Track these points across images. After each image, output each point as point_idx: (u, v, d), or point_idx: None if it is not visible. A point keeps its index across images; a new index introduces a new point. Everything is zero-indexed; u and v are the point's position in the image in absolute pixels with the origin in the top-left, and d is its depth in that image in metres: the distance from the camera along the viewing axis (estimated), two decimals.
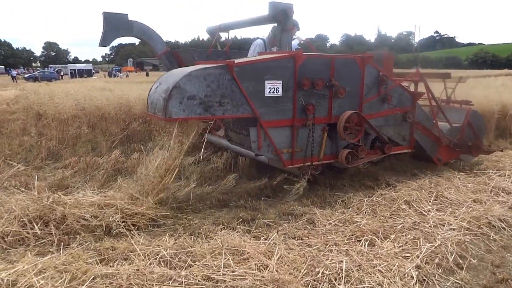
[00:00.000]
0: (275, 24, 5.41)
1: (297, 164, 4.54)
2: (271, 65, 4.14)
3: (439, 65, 61.66)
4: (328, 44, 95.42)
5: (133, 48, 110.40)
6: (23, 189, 4.45)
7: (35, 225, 3.48)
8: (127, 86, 15.17)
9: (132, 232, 3.61)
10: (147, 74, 48.47)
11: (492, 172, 5.64)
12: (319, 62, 4.46)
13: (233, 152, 5.83)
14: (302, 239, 3.55)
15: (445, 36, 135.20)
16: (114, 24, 5.28)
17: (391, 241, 3.50)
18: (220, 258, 3.05)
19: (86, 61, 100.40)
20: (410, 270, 3.03)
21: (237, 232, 3.66)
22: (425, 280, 2.99)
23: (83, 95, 8.15)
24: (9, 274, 2.63)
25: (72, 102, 7.48)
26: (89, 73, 55.79)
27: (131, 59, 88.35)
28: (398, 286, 2.84)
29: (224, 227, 3.78)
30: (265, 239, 3.50)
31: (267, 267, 2.98)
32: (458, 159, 6.25)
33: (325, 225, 3.88)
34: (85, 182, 5.20)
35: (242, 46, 8.06)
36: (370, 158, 5.07)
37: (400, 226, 3.84)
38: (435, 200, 4.58)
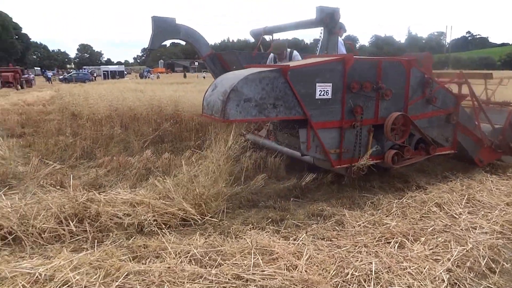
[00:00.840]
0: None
1: (345, 164, 4.66)
2: (322, 68, 4.27)
3: (472, 65, 59.65)
4: (357, 45, 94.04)
5: (164, 50, 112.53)
6: (58, 187, 4.64)
7: (70, 222, 3.63)
8: (158, 87, 15.57)
9: (163, 231, 3.71)
10: (184, 76, 49.18)
11: None
12: (367, 65, 4.57)
13: (277, 152, 5.89)
14: (331, 240, 3.54)
15: (478, 36, 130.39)
16: (163, 27, 5.50)
17: (421, 244, 3.44)
18: (249, 258, 3.09)
19: (118, 63, 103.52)
20: (441, 273, 2.98)
21: (266, 232, 3.69)
22: (456, 283, 2.92)
23: (116, 96, 8.43)
24: (47, 269, 2.76)
25: (106, 103, 7.73)
26: (121, 75, 57.51)
27: (162, 61, 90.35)
28: None
29: (253, 227, 3.83)
30: (294, 240, 3.52)
31: (296, 267, 3.00)
32: (499, 160, 6.12)
33: (354, 227, 3.86)
34: (117, 181, 5.36)
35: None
36: (415, 159, 5.11)
37: (431, 228, 3.77)
38: (467, 203, 4.46)
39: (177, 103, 7.73)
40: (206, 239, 3.52)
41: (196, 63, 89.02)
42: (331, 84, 4.33)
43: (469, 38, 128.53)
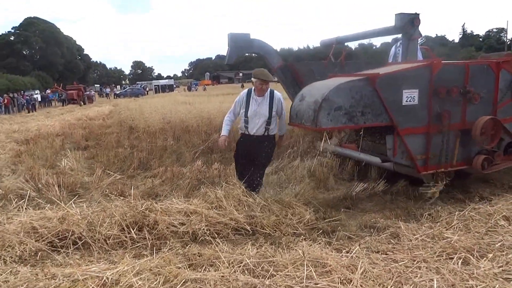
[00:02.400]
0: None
1: (431, 170, 4.64)
2: (409, 74, 4.34)
3: None
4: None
5: (209, 63, 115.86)
6: (120, 196, 4.89)
7: (131, 229, 3.81)
8: (206, 99, 15.99)
9: (216, 240, 3.77)
10: (242, 86, 50.18)
11: None
12: (454, 69, 4.59)
13: (352, 159, 5.92)
14: (386, 254, 3.40)
15: None
16: (238, 43, 5.80)
17: (488, 261, 3.19)
18: (302, 269, 3.05)
19: (168, 77, 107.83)
20: None
21: (318, 243, 3.64)
22: None
23: (168, 109, 8.76)
24: (113, 274, 2.90)
25: (160, 116, 8.05)
26: (170, 88, 59.89)
27: (208, 73, 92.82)
28: None
29: (304, 238, 3.79)
30: (347, 252, 3.42)
31: (351, 281, 2.91)
32: None
33: (411, 240, 3.68)
34: (171, 190, 5.55)
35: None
36: (505, 164, 5.00)
37: (499, 244, 3.49)
38: None
39: (225, 114, 7.89)
40: (257, 249, 3.52)
41: (241, 74, 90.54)
42: (417, 90, 4.35)
43: None
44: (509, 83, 4.83)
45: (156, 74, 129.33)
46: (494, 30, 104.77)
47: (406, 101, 4.33)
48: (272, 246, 3.65)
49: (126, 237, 3.73)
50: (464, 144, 4.73)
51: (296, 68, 6.26)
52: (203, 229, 3.92)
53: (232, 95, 24.35)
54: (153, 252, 3.49)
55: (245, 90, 4.70)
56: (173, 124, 8.31)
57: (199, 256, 3.38)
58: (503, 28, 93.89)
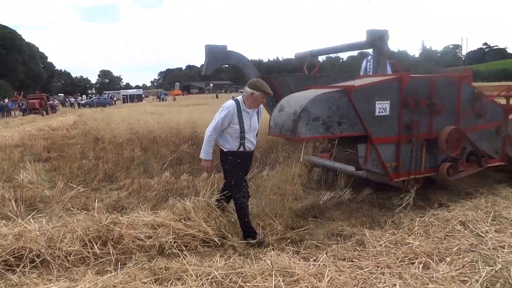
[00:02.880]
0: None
1: (402, 177, 4.89)
2: (380, 87, 4.58)
3: (490, 78, 58.66)
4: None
5: (179, 73, 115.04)
6: (83, 210, 4.74)
7: (94, 244, 3.70)
8: (175, 109, 15.87)
9: (183, 253, 3.73)
10: (217, 96, 49.71)
11: None
12: (421, 82, 4.87)
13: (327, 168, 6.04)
14: (352, 261, 3.48)
15: (495, 47, 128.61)
16: (216, 54, 5.88)
17: (447, 264, 3.34)
18: (270, 280, 3.07)
19: (137, 87, 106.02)
20: None
21: (286, 253, 3.67)
22: None
23: (136, 119, 8.62)
24: None
25: (127, 126, 7.91)
26: (139, 98, 58.95)
27: (178, 83, 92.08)
28: None
29: (273, 248, 3.81)
30: (314, 261, 3.47)
31: None
32: None
33: (375, 247, 3.78)
34: (138, 203, 5.44)
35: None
36: (468, 171, 5.29)
37: (456, 248, 3.66)
38: (493, 220, 4.32)
39: (194, 125, 7.86)
40: (226, 260, 3.51)
41: (211, 84, 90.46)
42: (389, 102, 4.60)
43: (486, 49, 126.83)
44: (469, 95, 5.16)
45: (124, 83, 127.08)
46: (451, 46, 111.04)
47: (379, 112, 4.55)
48: (241, 257, 3.65)
49: (88, 252, 3.61)
50: (431, 153, 5.00)
51: (273, 80, 6.37)
52: (171, 241, 3.87)
53: (202, 105, 24.29)
54: (118, 268, 3.40)
55: (231, 102, 4.11)
56: (141, 135, 8.17)
57: (166, 270, 3.32)
58: (458, 45, 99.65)
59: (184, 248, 3.85)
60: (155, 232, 4.00)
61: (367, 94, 4.48)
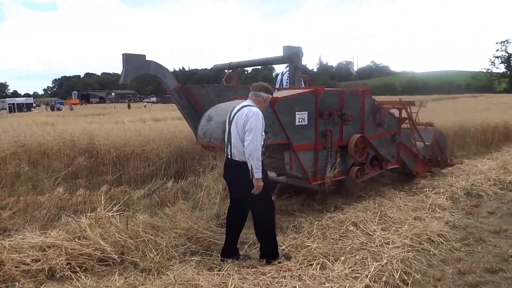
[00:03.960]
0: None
1: (319, 180, 5.24)
2: (299, 99, 4.90)
3: (377, 92, 65.82)
4: (273, 74, 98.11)
5: (77, 81, 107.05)
6: None
7: None
8: (72, 120, 14.66)
9: (78, 275, 3.44)
10: (129, 107, 46.82)
11: (428, 191, 6.05)
12: (333, 95, 5.34)
13: None
14: (256, 268, 3.55)
15: (381, 65, 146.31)
16: (134, 63, 5.74)
17: (341, 263, 3.60)
18: None
19: (27, 95, 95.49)
20: None
21: (190, 265, 3.60)
22: None
23: (22, 131, 7.75)
24: None
25: (11, 138, 7.06)
26: (28, 107, 53.12)
27: (75, 92, 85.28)
28: None
29: (176, 262, 3.71)
30: (219, 270, 3.46)
31: None
32: (430, 172, 7.25)
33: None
34: (25, 223, 4.87)
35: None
36: (372, 173, 5.88)
37: (349, 247, 3.97)
38: (380, 220, 4.80)
39: (92, 136, 7.34)
40: (126, 279, 3.33)
41: (113, 94, 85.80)
42: (306, 112, 4.94)
43: (373, 66, 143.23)
44: (371, 107, 5.82)
45: (11, 91, 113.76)
46: (344, 62, 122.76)
47: (298, 122, 4.88)
48: (143, 273, 3.50)
49: None
50: (343, 158, 5.49)
51: (192, 91, 6.45)
52: (62, 263, 3.55)
53: (104, 115, 22.81)
54: None
55: (256, 109, 3.63)
56: (28, 148, 7.33)
57: None
58: (350, 61, 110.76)
59: (79, 269, 3.57)
60: (45, 254, 3.63)
61: (288, 105, 4.80)
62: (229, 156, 3.71)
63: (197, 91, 6.43)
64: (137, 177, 6.89)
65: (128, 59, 5.70)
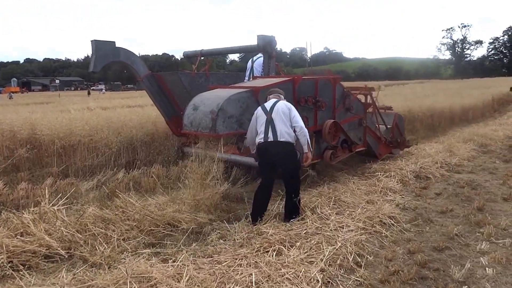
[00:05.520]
0: None
1: None
2: (279, 87, 4.94)
3: None
4: (228, 60, 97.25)
5: (16, 67, 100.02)
6: None
7: None
8: (11, 109, 13.63)
9: (21, 273, 3.21)
10: (88, 93, 43.98)
11: (380, 174, 6.26)
12: (308, 83, 5.61)
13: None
14: (212, 257, 3.49)
15: (334, 51, 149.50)
16: (104, 50, 5.66)
17: (297, 248, 3.62)
18: None
19: None
20: (315, 274, 3.16)
21: (143, 257, 3.47)
22: (329, 282, 3.15)
23: None
24: None
25: None
26: None
27: (15, 79, 79.46)
28: None
29: (127, 254, 3.56)
30: (173, 262, 3.36)
31: None
32: (390, 153, 7.72)
33: (235, 239, 3.89)
34: None
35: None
36: (343, 156, 6.24)
37: (304, 232, 4.01)
38: (334, 204, 4.89)
39: (35, 126, 6.85)
40: (74, 275, 3.15)
41: (57, 81, 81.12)
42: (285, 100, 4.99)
43: (326, 53, 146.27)
44: (341, 94, 6.15)
45: None
46: (297, 48, 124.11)
47: None
48: (92, 268, 3.33)
49: None
50: (318, 142, 5.78)
51: (163, 78, 6.47)
52: (3, 262, 3.30)
53: (47, 104, 21.49)
54: None
55: (285, 101, 4.65)
56: None
57: None
58: (304, 47, 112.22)
59: (22, 267, 3.35)
60: None
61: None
62: (272, 139, 4.32)
63: (169, 78, 6.49)
64: (85, 168, 6.56)
65: (98, 46, 5.62)
